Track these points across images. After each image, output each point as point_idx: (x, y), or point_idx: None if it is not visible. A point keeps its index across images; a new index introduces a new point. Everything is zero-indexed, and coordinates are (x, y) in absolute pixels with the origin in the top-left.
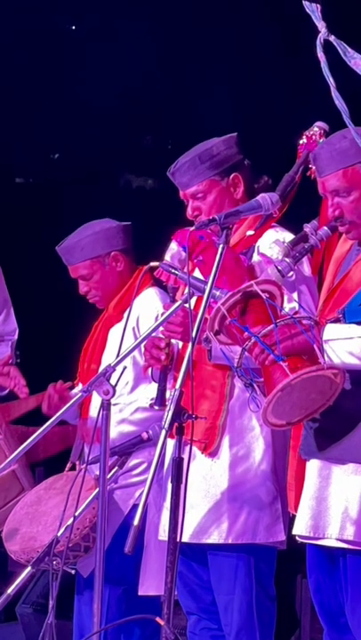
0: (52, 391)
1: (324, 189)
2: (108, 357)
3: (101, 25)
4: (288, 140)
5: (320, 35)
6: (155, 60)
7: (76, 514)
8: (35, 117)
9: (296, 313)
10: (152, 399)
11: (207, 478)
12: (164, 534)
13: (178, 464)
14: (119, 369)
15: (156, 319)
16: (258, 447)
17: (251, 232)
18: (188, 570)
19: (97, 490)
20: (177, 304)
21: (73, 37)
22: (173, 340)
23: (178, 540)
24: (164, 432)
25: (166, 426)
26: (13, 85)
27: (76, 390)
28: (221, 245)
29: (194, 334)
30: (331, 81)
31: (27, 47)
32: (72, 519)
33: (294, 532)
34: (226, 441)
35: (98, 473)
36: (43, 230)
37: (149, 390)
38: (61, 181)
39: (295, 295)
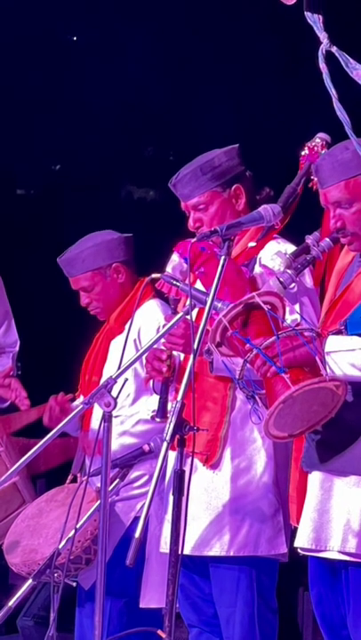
0: (53, 403)
1: (326, 201)
2: (109, 369)
3: (102, 36)
4: (290, 152)
5: (322, 46)
6: (156, 70)
7: (78, 526)
8: (36, 128)
9: (298, 325)
10: (153, 411)
11: (209, 490)
12: (165, 547)
13: (179, 476)
14: (120, 381)
15: (158, 331)
16: (260, 459)
17: (252, 243)
18: (189, 582)
19: (98, 502)
20: (178, 316)
21: (74, 48)
22: (175, 352)
23: (179, 552)
24: (165, 444)
25: (168, 438)
26: (14, 96)
27: (77, 402)
28: (223, 257)
29: (195, 346)
30: (333, 92)
31: (28, 57)
32: (73, 531)
33: (296, 544)
34: (227, 453)
35: (99, 485)
36: (44, 242)
37: (151, 402)
38: (63, 192)
39: (297, 307)
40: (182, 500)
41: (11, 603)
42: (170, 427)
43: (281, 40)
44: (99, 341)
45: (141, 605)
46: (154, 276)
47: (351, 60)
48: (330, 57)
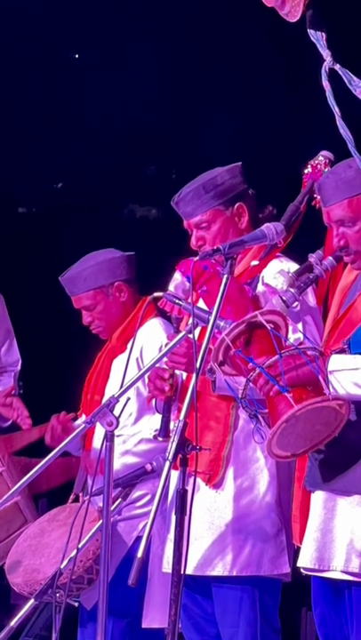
0: (55, 422)
1: (329, 219)
2: (111, 388)
3: (104, 53)
4: (293, 170)
5: (325, 63)
6: (158, 88)
7: (80, 546)
8: (37, 146)
9: (301, 344)
10: (156, 430)
11: (211, 510)
12: (167, 566)
13: (182, 496)
14: (123, 400)
15: (160, 350)
16: (262, 479)
17: (255, 262)
18: (192, 602)
19: (100, 522)
20: (181, 334)
21: (76, 66)
22: (177, 371)
23: (182, 572)
24: (168, 463)
25: (170, 457)
26: (16, 114)
27: (79, 421)
28: (226, 275)
29: (198, 365)
30: (336, 110)
31: (29, 76)
32: (75, 551)
33: (299, 564)
34: (230, 472)
35: (101, 505)
36: (46, 260)
37: (153, 421)
38: (65, 211)
39: (300, 326)
40: (185, 520)
41: (12, 623)
42: (172, 446)
43: (284, 58)
44: (101, 360)
45: (144, 625)
46: (156, 294)
47: (354, 78)
48: (333, 74)
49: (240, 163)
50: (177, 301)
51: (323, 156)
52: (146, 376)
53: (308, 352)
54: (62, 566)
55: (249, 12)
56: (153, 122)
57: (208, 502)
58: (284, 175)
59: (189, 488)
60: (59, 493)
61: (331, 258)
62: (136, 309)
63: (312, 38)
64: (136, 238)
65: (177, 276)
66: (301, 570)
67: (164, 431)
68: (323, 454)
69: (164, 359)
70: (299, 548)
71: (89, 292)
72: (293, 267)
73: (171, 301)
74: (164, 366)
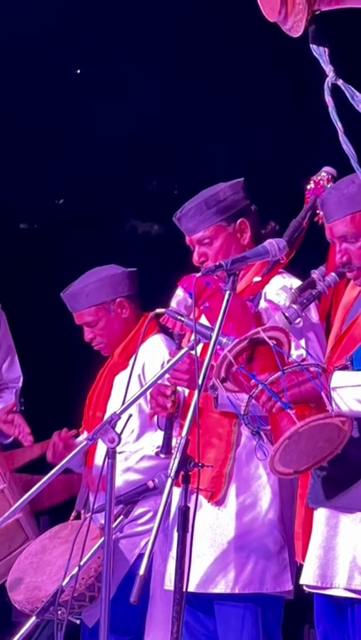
0: (56, 439)
1: (331, 235)
2: (113, 405)
3: (106, 69)
4: (295, 185)
5: (328, 78)
6: (160, 103)
7: (81, 563)
8: (39, 162)
9: (304, 360)
10: (158, 447)
11: (214, 527)
12: (170, 584)
13: (184, 513)
14: (125, 417)
15: (162, 366)
16: (265, 496)
17: (258, 278)
18: (194, 620)
19: (102, 539)
20: (183, 351)
21: (77, 81)
22: (179, 388)
23: (184, 589)
24: (170, 480)
25: (172, 474)
26: (17, 129)
27: (81, 438)
28: (228, 292)
29: (200, 381)
30: (338, 125)
31: (31, 91)
32: (77, 568)
33: (302, 581)
34: (232, 489)
35: (103, 522)
36: (47, 276)
37: (155, 438)
38: (66, 227)
39: (303, 342)
40: (187, 537)
41: None
42: (174, 463)
43: (286, 73)
44: (102, 377)
45: None
46: (158, 310)
47: (357, 93)
48: (336, 90)
49: (242, 178)
50: (179, 318)
51: (325, 172)
52: (148, 393)
53: (311, 368)
54: (64, 584)
55: (251, 28)
56: (155, 137)
57: (210, 519)
58: (286, 191)
59: (191, 505)
60: (60, 510)
61: (333, 274)
62: (138, 326)
63: (315, 53)
64: (138, 254)
65: (179, 293)
66: (304, 587)
67: (166, 448)
68: (325, 471)
69: (166, 376)
70: (301, 566)
71: (91, 308)
72: (296, 283)
73: (173, 318)
74: (167, 383)
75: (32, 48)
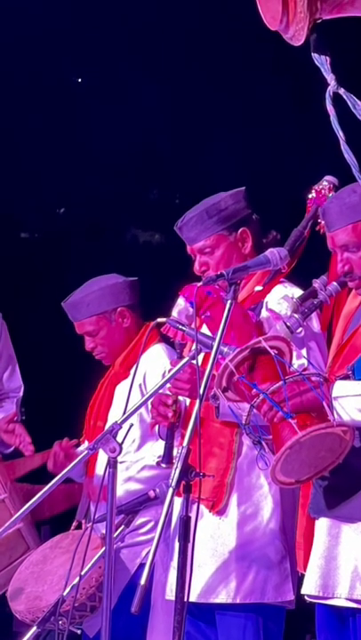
0: (57, 449)
1: (333, 244)
2: (114, 414)
3: (107, 77)
4: (297, 195)
5: (329, 87)
6: (161, 112)
7: (82, 573)
8: (40, 171)
9: (305, 369)
10: (159, 457)
11: (215, 537)
12: (171, 594)
13: (185, 522)
14: (126, 426)
15: (163, 376)
16: (266, 505)
17: (259, 287)
18: (195, 630)
19: (103, 549)
20: (184, 360)
21: (79, 90)
22: (181, 397)
23: (185, 599)
24: (171, 490)
25: (174, 484)
26: (18, 138)
27: (82, 448)
28: (229, 301)
29: (201, 391)
30: (340, 134)
31: (32, 99)
32: (78, 578)
33: (303, 591)
34: (234, 499)
35: (104, 532)
36: (48, 285)
37: (156, 448)
38: (67, 236)
39: (304, 351)
40: (188, 547)
41: None
42: (176, 473)
43: (287, 82)
44: (104, 386)
45: None
46: (159, 320)
47: (359, 102)
48: (337, 99)
49: (244, 187)
50: (180, 327)
51: (327, 181)
52: (149, 402)
53: (313, 378)
54: (65, 593)
55: (253, 36)
56: (156, 146)
57: (212, 529)
58: (288, 200)
59: (193, 515)
60: (61, 520)
61: (335, 283)
62: (139, 335)
63: (316, 62)
64: (139, 263)
65: (180, 302)
66: (306, 597)
67: (167, 458)
68: (327, 481)
69: (168, 385)
70: (303, 576)
71: (92, 317)
72: (297, 292)
73: (174, 327)
74: (168, 392)
75: (33, 58)
